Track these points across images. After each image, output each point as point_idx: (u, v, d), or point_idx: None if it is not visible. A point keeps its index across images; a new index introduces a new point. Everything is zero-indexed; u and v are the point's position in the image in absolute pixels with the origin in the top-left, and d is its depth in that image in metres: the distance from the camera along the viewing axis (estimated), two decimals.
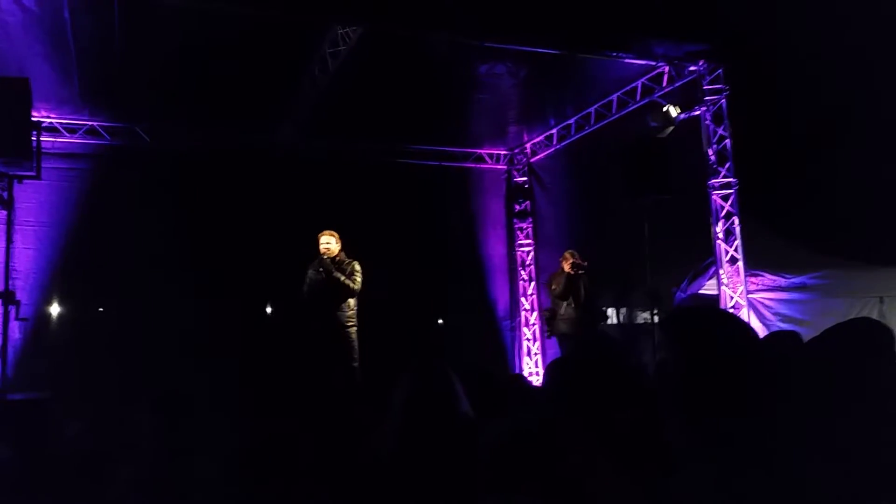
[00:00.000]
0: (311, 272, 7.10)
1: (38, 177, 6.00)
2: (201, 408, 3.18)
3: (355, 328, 7.09)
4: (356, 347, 7.06)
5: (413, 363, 2.27)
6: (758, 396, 1.63)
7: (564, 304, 8.22)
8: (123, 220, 8.43)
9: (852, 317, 6.45)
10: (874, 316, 6.92)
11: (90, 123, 8.89)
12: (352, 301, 7.09)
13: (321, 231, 7.16)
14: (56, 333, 8.31)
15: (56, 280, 8.44)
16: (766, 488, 1.63)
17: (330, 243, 7.08)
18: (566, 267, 8.17)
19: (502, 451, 1.48)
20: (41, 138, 8.31)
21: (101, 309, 8.68)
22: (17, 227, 8.26)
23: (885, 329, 2.32)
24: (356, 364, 7.02)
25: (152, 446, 2.70)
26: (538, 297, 10.70)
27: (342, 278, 6.96)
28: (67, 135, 8.83)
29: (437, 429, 2.02)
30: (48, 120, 8.62)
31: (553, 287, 8.33)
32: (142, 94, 8.13)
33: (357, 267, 7.08)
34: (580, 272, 8.12)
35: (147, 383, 6.60)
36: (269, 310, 9.39)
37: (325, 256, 7.03)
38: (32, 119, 6.38)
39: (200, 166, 8.89)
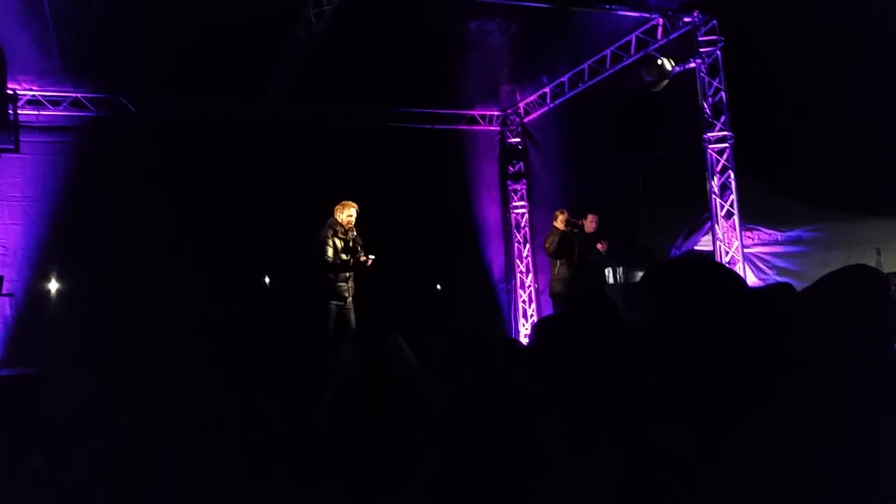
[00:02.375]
0: (338, 242, 6.95)
1: (16, 150, 5.87)
2: (181, 380, 3.13)
3: None
4: None
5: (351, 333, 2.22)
6: (744, 350, 1.56)
7: (558, 263, 8.13)
8: (112, 193, 8.32)
9: None
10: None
11: (74, 95, 8.73)
12: None
13: (343, 201, 7.03)
14: (46, 309, 8.23)
15: (45, 255, 8.33)
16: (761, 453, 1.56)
17: (353, 216, 7.01)
18: (559, 224, 8.06)
19: (451, 411, 1.41)
20: (25, 111, 8.19)
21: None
22: (3, 202, 8.18)
23: (880, 275, 2.23)
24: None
25: (127, 418, 2.65)
26: (533, 259, 10.62)
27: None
28: (51, 107, 8.67)
29: (372, 394, 1.97)
30: (30, 93, 8.47)
31: (546, 246, 8.23)
32: (124, 62, 7.95)
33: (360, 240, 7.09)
34: (574, 230, 8.02)
35: (136, 357, 6.53)
36: (266, 280, 9.29)
37: (349, 228, 6.98)
38: (10, 91, 6.22)
39: (188, 135, 8.75)
